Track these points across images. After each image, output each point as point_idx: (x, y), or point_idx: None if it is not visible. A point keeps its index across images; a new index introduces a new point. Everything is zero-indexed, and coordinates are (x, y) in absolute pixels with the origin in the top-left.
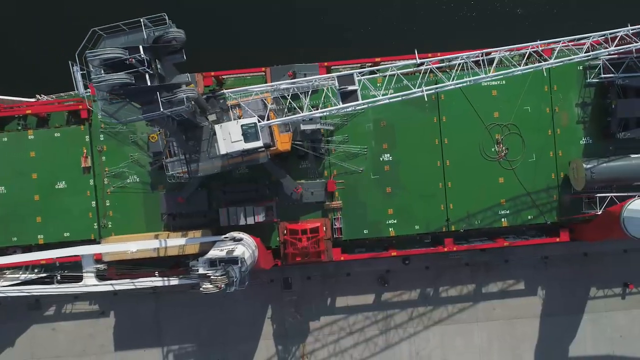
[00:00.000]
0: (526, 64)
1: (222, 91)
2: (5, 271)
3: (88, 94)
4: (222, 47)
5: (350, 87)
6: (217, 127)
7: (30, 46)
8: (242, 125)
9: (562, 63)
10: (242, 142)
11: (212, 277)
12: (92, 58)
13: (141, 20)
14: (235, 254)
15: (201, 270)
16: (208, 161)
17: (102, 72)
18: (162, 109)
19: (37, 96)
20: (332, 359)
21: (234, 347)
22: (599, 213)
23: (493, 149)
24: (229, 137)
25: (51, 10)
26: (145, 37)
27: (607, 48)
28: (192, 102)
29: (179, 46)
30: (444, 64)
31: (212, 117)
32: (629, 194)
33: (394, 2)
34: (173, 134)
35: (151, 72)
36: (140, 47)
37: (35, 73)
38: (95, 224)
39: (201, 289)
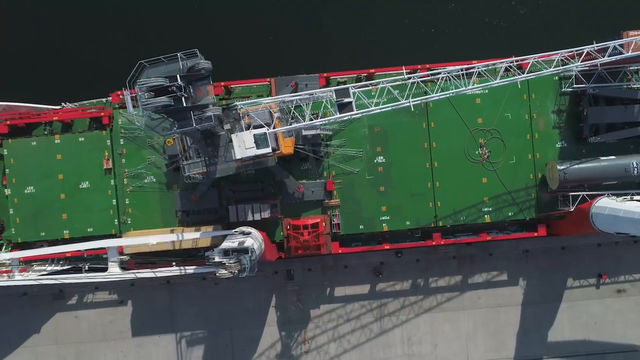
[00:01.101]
0: (507, 75)
1: (235, 103)
2: (32, 264)
3: (141, 114)
4: (229, 58)
5: (346, 99)
6: (233, 136)
7: (57, 58)
8: (254, 135)
9: (534, 76)
10: (254, 148)
11: (226, 264)
12: (142, 85)
13: (178, 54)
14: (245, 244)
15: (217, 259)
16: (224, 164)
17: (146, 95)
18: (194, 125)
19: (63, 104)
20: (331, 344)
21: (240, 333)
22: (572, 210)
23: (477, 152)
24: (243, 145)
25: (76, 29)
26: (181, 67)
27: (574, 63)
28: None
29: (207, 74)
30: (429, 78)
31: (227, 127)
32: (598, 192)
33: (390, 17)
34: (197, 142)
35: (186, 95)
36: (178, 77)
37: (60, 83)
38: (115, 220)
39: (217, 274)
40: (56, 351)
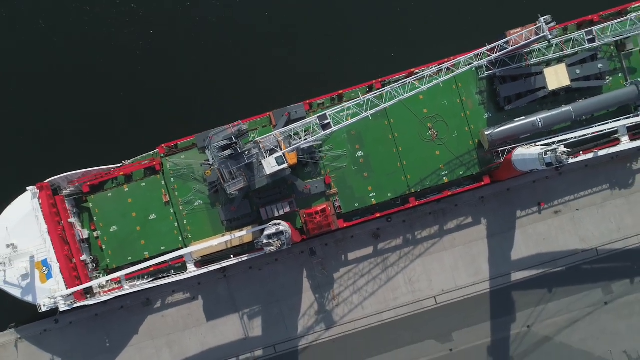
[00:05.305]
0: (434, 77)
1: (256, 139)
2: (127, 282)
3: (208, 164)
4: (236, 102)
5: (326, 121)
6: (262, 160)
7: (113, 129)
8: (275, 158)
9: (449, 77)
10: (277, 165)
11: (272, 242)
12: (217, 144)
13: (230, 125)
14: (281, 229)
15: (265, 241)
16: (259, 179)
17: (216, 150)
18: (246, 161)
19: (123, 161)
20: (354, 295)
21: (286, 302)
22: (502, 161)
23: (428, 134)
24: (269, 165)
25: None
26: (234, 132)
27: (474, 62)
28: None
29: (246, 132)
30: (378, 94)
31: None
32: (518, 144)
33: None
34: (242, 168)
35: (238, 146)
36: (233, 137)
37: (117, 146)
38: (180, 237)
39: (266, 251)
40: (153, 344)
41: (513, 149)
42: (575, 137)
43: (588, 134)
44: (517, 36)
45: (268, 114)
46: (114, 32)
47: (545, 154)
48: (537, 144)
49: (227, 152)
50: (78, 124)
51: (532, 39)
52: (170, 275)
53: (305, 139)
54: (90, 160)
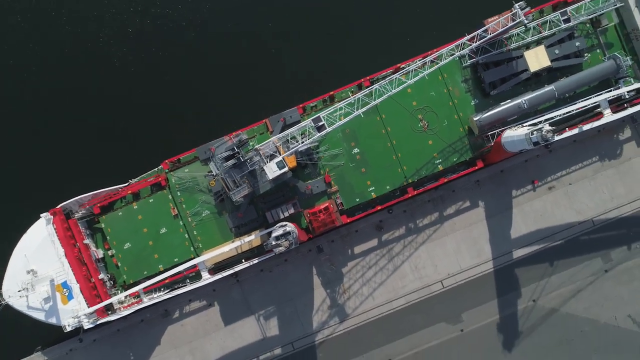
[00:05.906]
0: (419, 70)
1: (256, 146)
2: (144, 295)
3: (211, 175)
4: (232, 113)
5: (320, 123)
6: (264, 166)
7: (116, 151)
8: (276, 163)
9: (433, 69)
10: (278, 170)
11: (281, 243)
12: (220, 155)
13: (229, 136)
14: (287, 229)
15: (274, 242)
16: (263, 184)
17: (220, 161)
18: (249, 168)
19: (130, 180)
20: (364, 287)
21: (298, 300)
22: (493, 144)
23: (419, 125)
24: (271, 170)
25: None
26: (235, 142)
27: (456, 52)
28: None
29: (246, 142)
30: (367, 92)
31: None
32: (506, 127)
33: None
34: (246, 176)
35: (240, 155)
36: (235, 148)
37: (122, 166)
38: (191, 247)
39: (276, 251)
40: (176, 353)
41: (502, 131)
42: (560, 115)
43: (572, 111)
44: (495, 24)
45: (264, 121)
46: (107, 43)
47: (532, 133)
48: (524, 124)
49: (231, 162)
50: (80, 146)
51: (509, 25)
52: (185, 285)
53: (302, 142)
54: (96, 183)
